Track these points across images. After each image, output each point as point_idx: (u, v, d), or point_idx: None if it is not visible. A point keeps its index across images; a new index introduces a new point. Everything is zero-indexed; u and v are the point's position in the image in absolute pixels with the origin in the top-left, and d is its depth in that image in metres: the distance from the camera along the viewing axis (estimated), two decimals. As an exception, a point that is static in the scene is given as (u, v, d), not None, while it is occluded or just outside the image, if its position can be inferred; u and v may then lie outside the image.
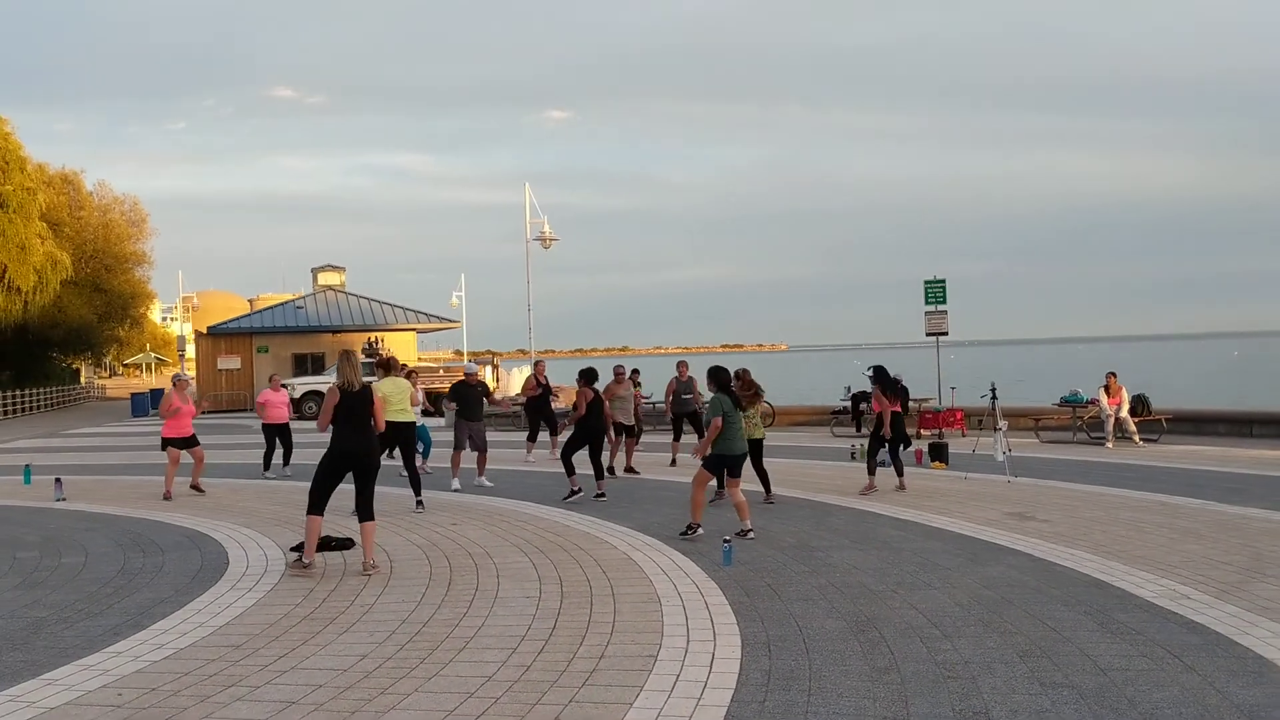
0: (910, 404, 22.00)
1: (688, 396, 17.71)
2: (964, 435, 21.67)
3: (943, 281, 25.91)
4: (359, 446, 8.93)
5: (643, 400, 19.86)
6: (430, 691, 5.78)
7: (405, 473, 13.02)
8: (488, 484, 14.67)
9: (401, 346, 42.24)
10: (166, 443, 14.52)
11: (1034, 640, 6.53)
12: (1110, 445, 18.50)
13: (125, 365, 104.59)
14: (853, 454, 17.54)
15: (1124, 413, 18.85)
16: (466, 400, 14.96)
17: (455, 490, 14.28)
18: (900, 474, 13.38)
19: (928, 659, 6.18)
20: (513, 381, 44.92)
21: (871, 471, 13.40)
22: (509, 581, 8.59)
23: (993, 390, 16.08)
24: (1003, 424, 14.64)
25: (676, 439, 17.60)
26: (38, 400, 48.85)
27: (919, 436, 21.28)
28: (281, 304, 46.14)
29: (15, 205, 43.84)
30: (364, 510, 9.05)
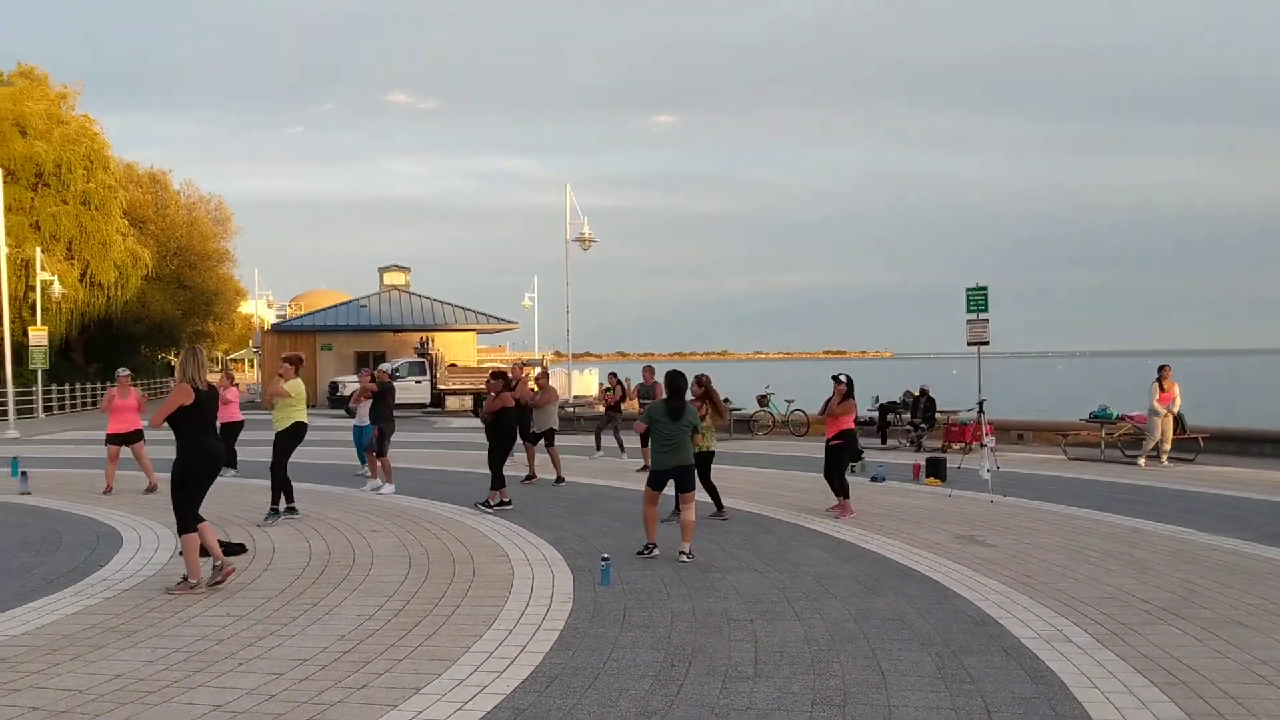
0: (937, 415, 21.17)
1: (647, 401, 17.22)
2: (993, 450, 20.62)
3: (984, 289, 24.69)
4: (218, 449, 8.54)
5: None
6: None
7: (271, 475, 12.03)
8: (376, 486, 14.42)
9: (461, 347, 42.34)
10: (108, 439, 14.49)
11: (846, 685, 5.85)
12: (1143, 464, 17.37)
13: (232, 360, 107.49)
14: (852, 467, 16.72)
15: (1176, 408, 17.59)
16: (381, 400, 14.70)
17: (386, 493, 14.04)
18: (845, 496, 12.19)
19: (709, 703, 5.55)
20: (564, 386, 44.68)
21: (846, 492, 12.41)
22: (359, 595, 8.13)
23: (979, 405, 15.15)
24: (989, 440, 13.76)
25: (645, 445, 17.05)
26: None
27: (945, 449, 20.39)
28: (346, 303, 46.63)
29: (97, 203, 45.11)
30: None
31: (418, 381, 34.79)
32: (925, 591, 8.23)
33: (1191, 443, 18.33)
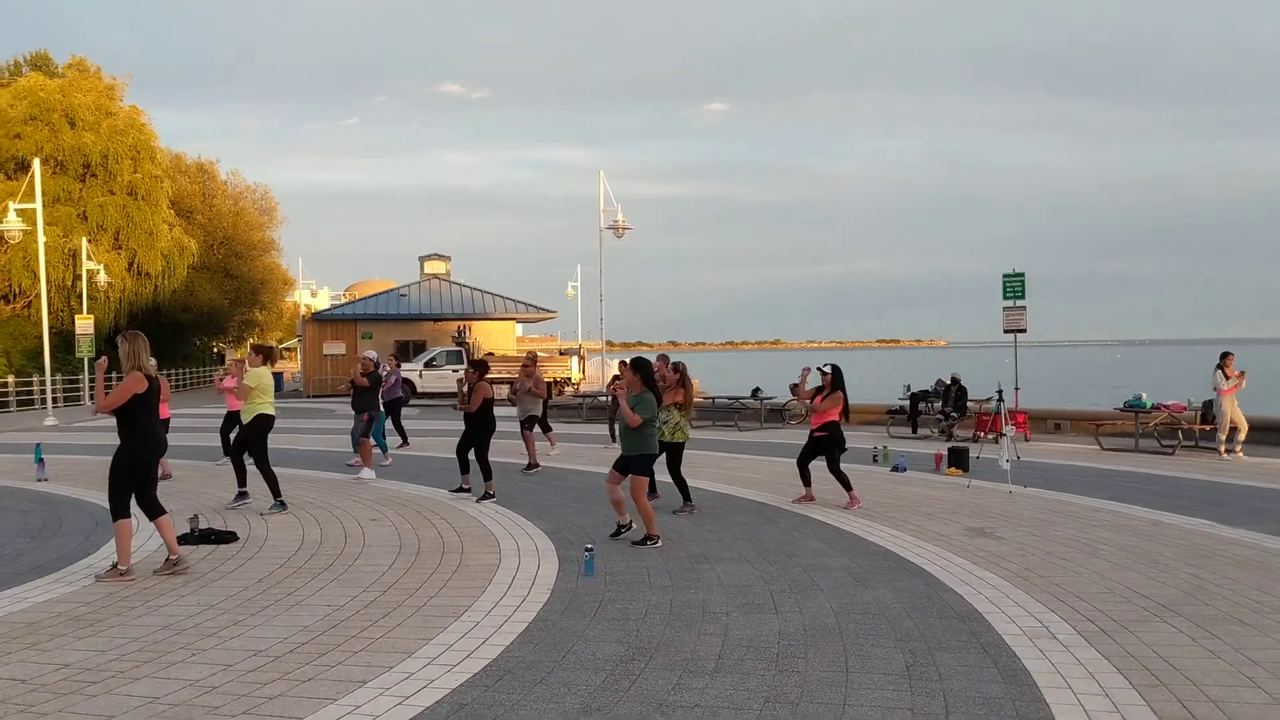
0: (969, 404, 20.76)
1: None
2: (1027, 439, 20.21)
3: (1021, 275, 24.35)
4: (161, 438, 8.41)
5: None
6: None
7: (256, 467, 11.89)
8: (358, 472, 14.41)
9: (500, 335, 42.35)
10: None
11: (806, 682, 5.62)
12: (1223, 454, 16.86)
13: (285, 349, 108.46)
14: (875, 457, 16.43)
15: (1243, 383, 17.03)
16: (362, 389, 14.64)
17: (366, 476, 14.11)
18: (807, 484, 11.97)
19: (658, 699, 5.34)
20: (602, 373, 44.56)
21: (848, 484, 12.05)
22: (337, 585, 8.01)
23: (998, 394, 14.76)
24: (1009, 429, 13.38)
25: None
26: (170, 381, 50.74)
27: (976, 439, 19.97)
28: (386, 291, 46.81)
29: (144, 193, 45.61)
30: (154, 505, 8.39)
31: (454, 370, 34.79)
32: (917, 585, 7.96)
33: (1230, 433, 17.78)
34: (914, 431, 21.43)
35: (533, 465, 15.22)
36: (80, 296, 40.10)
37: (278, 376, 50.73)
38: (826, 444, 11.67)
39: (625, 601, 7.45)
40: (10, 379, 36.96)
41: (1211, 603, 7.38)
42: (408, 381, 34.63)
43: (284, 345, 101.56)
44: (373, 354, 15.82)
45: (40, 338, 42.96)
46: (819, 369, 11.89)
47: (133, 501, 8.18)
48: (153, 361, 8.29)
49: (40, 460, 14.70)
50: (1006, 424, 13.48)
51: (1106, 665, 5.93)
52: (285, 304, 72.42)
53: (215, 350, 71.04)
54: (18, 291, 43.34)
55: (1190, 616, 7.01)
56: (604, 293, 30.33)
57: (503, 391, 17.31)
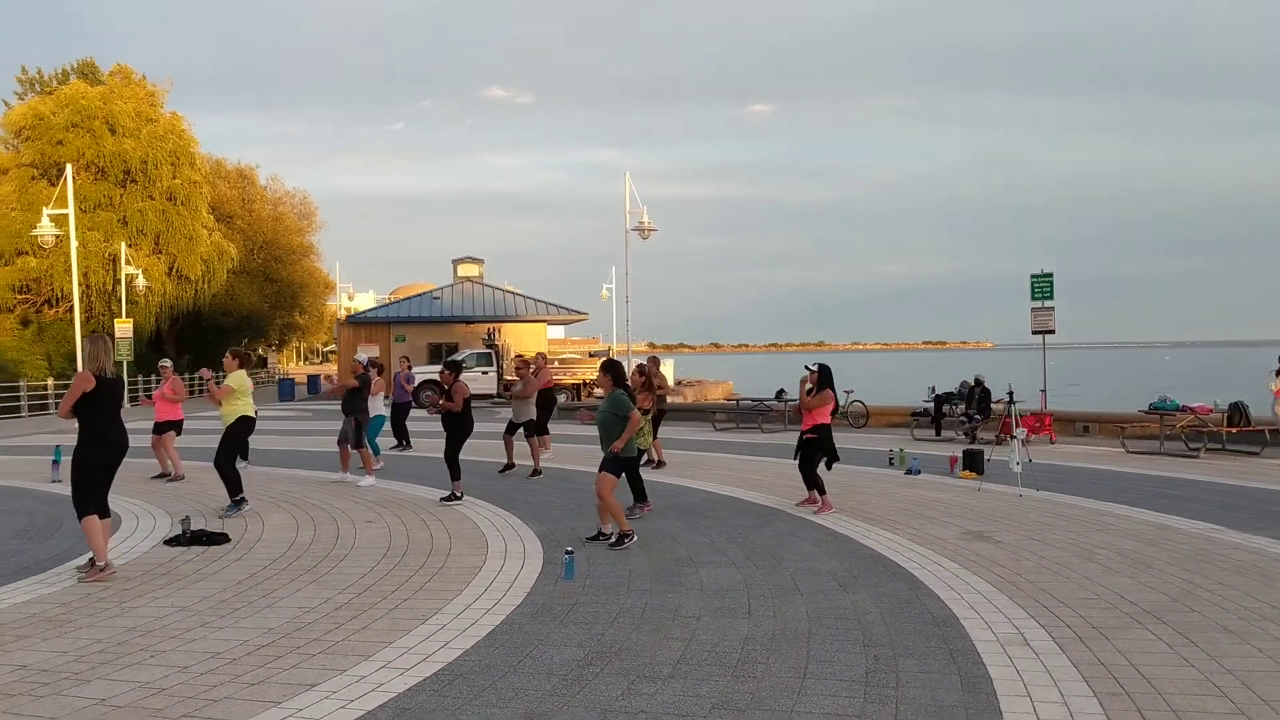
0: (994, 406, 20.50)
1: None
2: (1053, 442, 19.93)
3: (1050, 276, 24.09)
4: (121, 436, 8.40)
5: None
6: None
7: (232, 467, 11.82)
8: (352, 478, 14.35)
9: (532, 338, 42.39)
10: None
11: (759, 689, 5.52)
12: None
13: (330, 352, 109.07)
14: (890, 459, 16.24)
15: None
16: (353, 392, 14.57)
17: (366, 484, 13.99)
18: (821, 492, 11.59)
19: (604, 705, 5.27)
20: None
21: (821, 487, 11.82)
22: (314, 587, 7.99)
23: (1009, 395, 14.53)
24: (1020, 432, 13.16)
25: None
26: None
27: (998, 441, 19.70)
28: (419, 294, 47.05)
29: (183, 198, 46.18)
30: (105, 506, 8.40)
31: (485, 372, 34.90)
32: (900, 590, 7.82)
33: (1257, 435, 17.42)
34: (938, 434, 21.18)
35: (537, 471, 15.13)
36: (120, 301, 40.59)
37: (314, 379, 51.17)
38: (813, 447, 11.46)
39: (598, 605, 7.38)
40: (50, 381, 37.51)
41: (1198, 609, 7.19)
42: (435, 384, 34.79)
43: (327, 349, 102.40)
44: (362, 356, 15.81)
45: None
46: (806, 367, 11.71)
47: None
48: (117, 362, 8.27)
49: (57, 461, 14.83)
50: (1017, 426, 13.25)
51: (1074, 673, 5.78)
52: (326, 307, 73.02)
53: (259, 354, 71.86)
54: (60, 296, 43.96)
55: (1173, 623, 6.83)
56: (630, 294, 30.26)
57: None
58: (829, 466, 11.67)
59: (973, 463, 14.77)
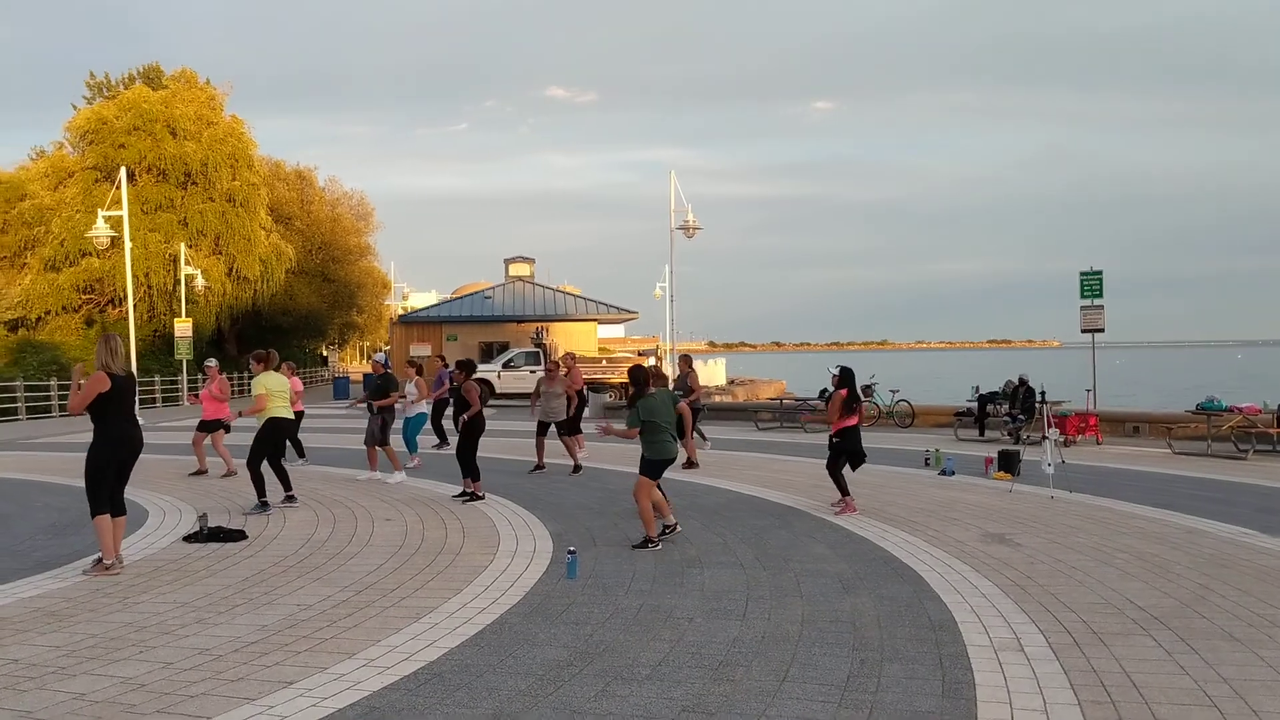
0: (1038, 405, 20.19)
1: (679, 393, 16.82)
2: (1099, 443, 19.56)
3: (1099, 274, 23.65)
4: (135, 434, 8.51)
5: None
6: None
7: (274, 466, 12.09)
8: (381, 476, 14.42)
9: (582, 337, 42.49)
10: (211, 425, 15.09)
11: (734, 692, 5.46)
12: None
13: (387, 350, 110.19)
14: (926, 460, 16.04)
15: None
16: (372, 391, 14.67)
17: (395, 481, 14.07)
18: (845, 492, 11.43)
19: (574, 707, 5.24)
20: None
21: (844, 489, 11.72)
22: (317, 584, 8.05)
23: (1042, 395, 14.26)
24: (1052, 432, 12.92)
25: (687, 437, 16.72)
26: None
27: (1042, 441, 19.39)
28: (471, 294, 47.36)
29: (241, 200, 46.89)
30: (118, 504, 8.50)
31: (532, 371, 35.02)
32: (904, 592, 7.70)
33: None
34: (981, 434, 20.88)
35: (578, 468, 15.15)
36: (180, 300, 41.29)
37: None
38: (838, 449, 11.35)
39: (593, 605, 7.35)
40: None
41: (1208, 615, 7.00)
42: (484, 382, 35.01)
43: (385, 347, 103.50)
44: (380, 355, 15.91)
45: (144, 340, 44.55)
46: (829, 370, 11.59)
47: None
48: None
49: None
50: (1049, 427, 13.01)
51: (1062, 681, 5.64)
52: (385, 307, 73.81)
53: (319, 353, 72.79)
54: (122, 296, 44.82)
55: (1178, 630, 6.65)
56: (677, 293, 30.29)
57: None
58: (854, 467, 11.55)
59: (1007, 463, 14.52)
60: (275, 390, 11.67)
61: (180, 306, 40.72)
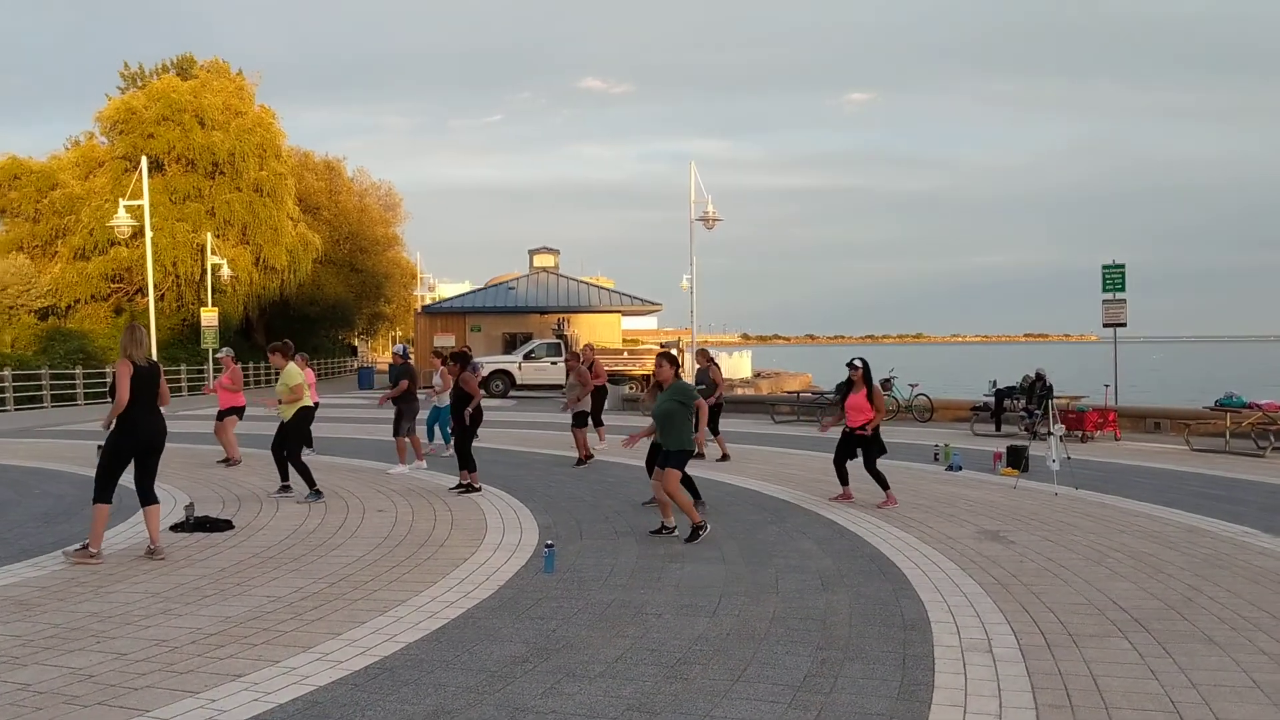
0: (1053, 401, 19.94)
1: (701, 386, 16.77)
2: (1117, 439, 19.29)
3: (1122, 267, 23.36)
4: (156, 425, 8.52)
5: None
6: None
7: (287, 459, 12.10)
8: (421, 465, 14.55)
9: (606, 328, 42.42)
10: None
11: (683, 692, 5.35)
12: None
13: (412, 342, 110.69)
14: (936, 455, 15.84)
15: None
16: (414, 381, 14.74)
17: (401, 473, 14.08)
18: (885, 487, 11.46)
19: (518, 704, 5.15)
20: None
21: (844, 479, 11.75)
22: (293, 575, 8.01)
23: (1047, 389, 14.01)
24: (1058, 428, 12.70)
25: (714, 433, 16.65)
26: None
27: (1060, 439, 19.14)
28: (495, 285, 47.37)
29: (268, 190, 47.12)
30: (148, 493, 8.55)
31: (553, 362, 35.01)
32: (883, 590, 7.57)
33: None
34: (998, 429, 20.63)
35: (582, 460, 15.09)
36: (208, 290, 41.55)
37: (366, 372, 51.79)
38: (870, 441, 11.37)
39: (564, 600, 7.26)
40: (135, 369, 38.51)
41: (1192, 617, 6.82)
42: (505, 373, 35.02)
43: (411, 336, 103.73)
44: (399, 347, 15.89)
45: (172, 329, 44.90)
46: (847, 364, 11.50)
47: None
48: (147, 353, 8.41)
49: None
50: (1055, 423, 12.80)
51: (1025, 684, 5.49)
52: (414, 298, 74.10)
53: (347, 342, 73.16)
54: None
55: (1158, 632, 6.48)
56: (697, 285, 30.04)
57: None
58: (876, 458, 11.53)
59: (1015, 459, 14.32)
60: (301, 379, 11.85)
61: (207, 296, 40.96)
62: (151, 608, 7.04)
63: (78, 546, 8.43)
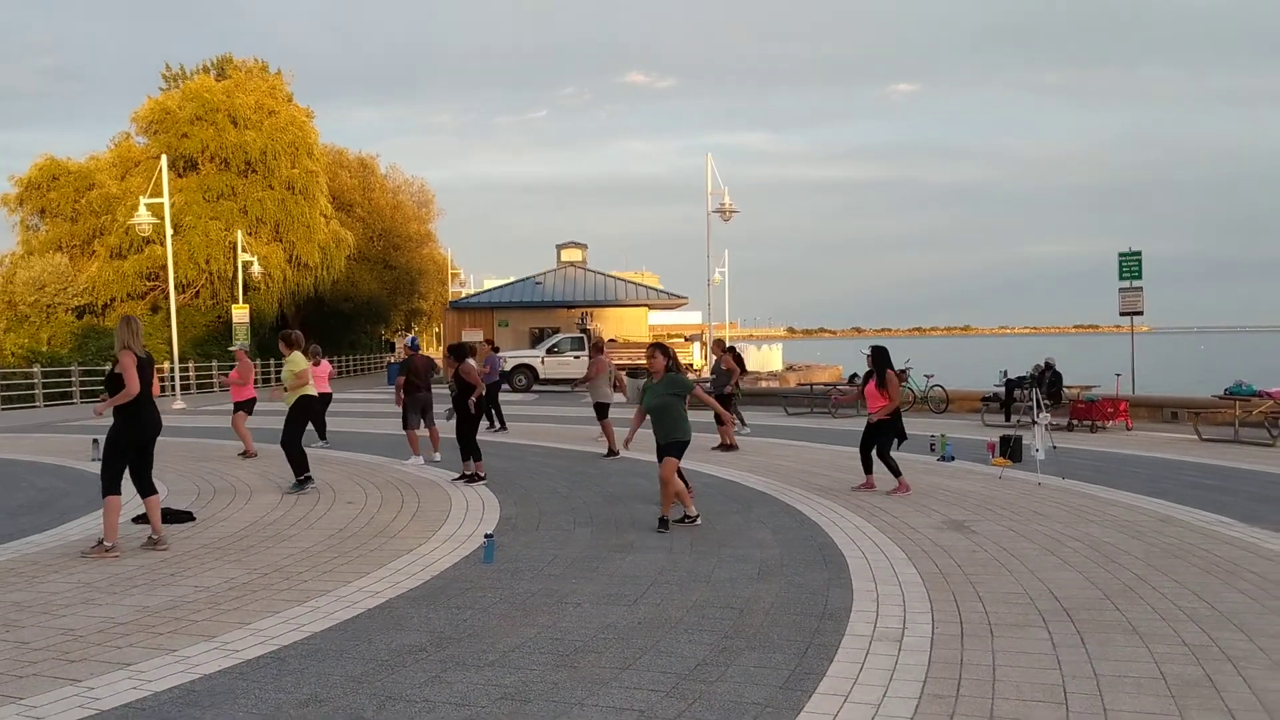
0: (1064, 392, 19.66)
1: (713, 376, 16.68)
2: (1129, 429, 18.94)
3: (1138, 254, 22.95)
4: (155, 415, 8.56)
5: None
6: None
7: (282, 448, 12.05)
8: (435, 458, 14.41)
9: (633, 322, 42.37)
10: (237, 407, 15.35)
11: (563, 681, 5.27)
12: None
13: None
14: (932, 445, 15.63)
15: None
16: (417, 374, 14.67)
17: (415, 464, 14.08)
18: (897, 474, 11.52)
19: (391, 693, 5.09)
20: (749, 359, 44.01)
21: (868, 469, 11.83)
22: (230, 566, 8.01)
23: (1033, 376, 13.76)
24: (1043, 417, 12.46)
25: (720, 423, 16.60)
26: (335, 367, 52.68)
27: (1070, 429, 18.89)
28: (522, 280, 47.45)
29: (300, 188, 47.51)
30: (147, 484, 8.63)
31: (576, 356, 34.99)
32: (817, 580, 7.45)
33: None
34: (1008, 420, 20.33)
35: (612, 452, 15.04)
36: (242, 287, 41.96)
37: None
38: (884, 430, 11.44)
39: (490, 590, 7.21)
40: (165, 365, 39.00)
41: (1125, 607, 6.64)
42: (528, 367, 35.08)
43: (432, 331, 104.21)
44: (410, 339, 15.94)
45: (207, 326, 45.43)
46: (863, 352, 11.49)
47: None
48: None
49: (94, 441, 15.33)
50: (1041, 412, 12.56)
51: (920, 674, 5.36)
52: (453, 293, 74.57)
53: (386, 339, 73.68)
54: (186, 283, 45.76)
55: (1083, 622, 6.31)
56: (710, 277, 29.90)
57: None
58: (897, 445, 11.65)
59: (1009, 449, 14.09)
60: (306, 370, 11.90)
61: (240, 293, 41.38)
62: (75, 598, 7.06)
63: (95, 544, 8.44)
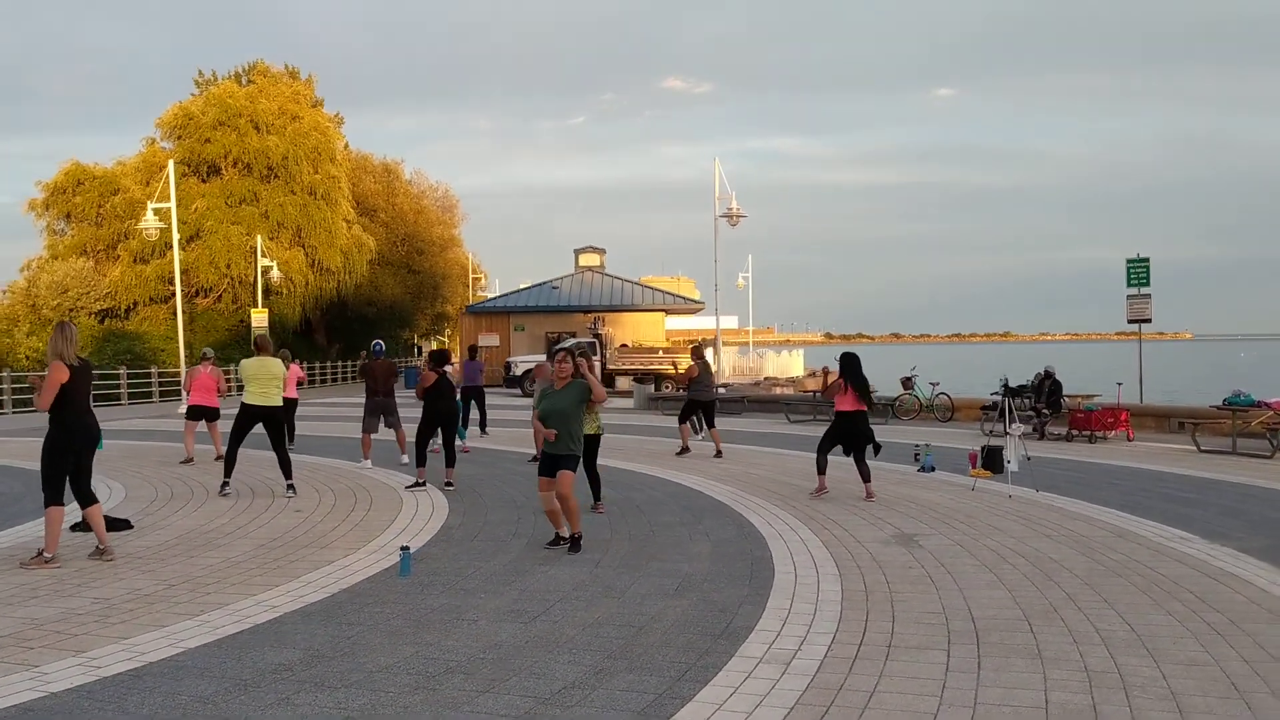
0: (1063, 400, 19.31)
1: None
2: (1130, 440, 18.54)
3: (1146, 260, 22.50)
4: (93, 425, 8.44)
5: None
6: None
7: (275, 455, 12.08)
8: (403, 460, 14.43)
9: (649, 327, 42.18)
10: (189, 412, 15.50)
11: (422, 702, 5.08)
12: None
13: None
14: (916, 455, 15.32)
15: None
16: (373, 378, 14.64)
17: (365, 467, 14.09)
18: (866, 480, 11.53)
19: (235, 715, 4.92)
20: (766, 364, 43.72)
21: (821, 470, 11.67)
22: (140, 576, 7.89)
23: (1004, 388, 13.45)
24: (1015, 427, 12.15)
25: (682, 422, 16.64)
26: (350, 370, 52.82)
27: (1069, 439, 18.55)
28: (539, 284, 47.37)
29: (323, 193, 47.73)
30: (86, 494, 8.44)
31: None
32: (732, 597, 7.22)
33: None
34: (1007, 429, 19.90)
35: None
36: (263, 291, 42.13)
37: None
38: (860, 435, 11.66)
39: (389, 605, 7.03)
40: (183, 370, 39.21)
41: (1041, 629, 6.37)
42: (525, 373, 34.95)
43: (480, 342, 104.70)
44: (376, 344, 15.79)
45: (229, 330, 45.67)
46: (836, 360, 11.97)
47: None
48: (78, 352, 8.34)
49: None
50: (1012, 423, 12.25)
51: (791, 699, 5.13)
52: (477, 298, 74.72)
53: (412, 343, 73.89)
54: (207, 288, 46.08)
55: (989, 645, 6.05)
56: (718, 282, 29.64)
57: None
58: (860, 451, 11.68)
59: (990, 460, 13.77)
60: (251, 375, 11.77)
61: (259, 298, 41.58)
62: (-27, 607, 6.93)
63: (34, 555, 8.31)
